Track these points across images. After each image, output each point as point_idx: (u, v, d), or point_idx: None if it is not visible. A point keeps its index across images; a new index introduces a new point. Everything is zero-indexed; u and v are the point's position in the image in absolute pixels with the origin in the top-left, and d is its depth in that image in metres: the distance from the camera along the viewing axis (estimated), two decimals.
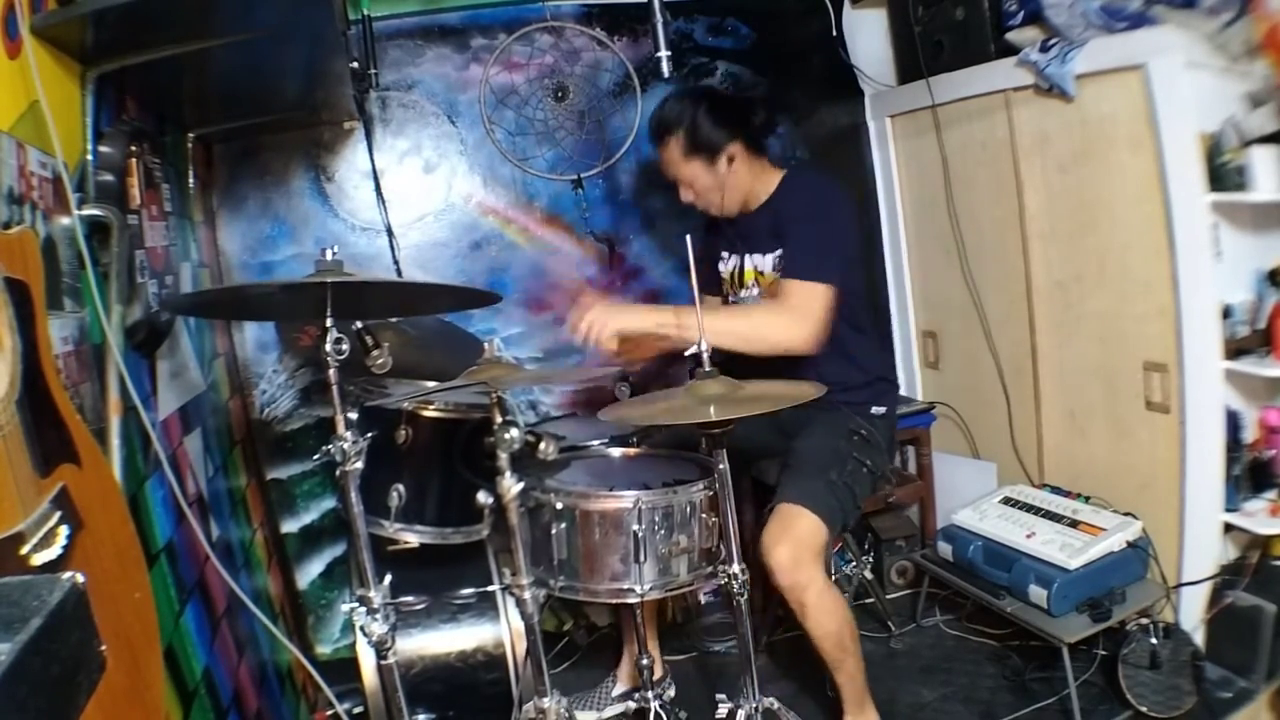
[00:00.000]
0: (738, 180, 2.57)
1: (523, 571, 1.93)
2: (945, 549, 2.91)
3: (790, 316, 2.34)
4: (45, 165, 1.58)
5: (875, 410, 2.60)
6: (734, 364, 2.74)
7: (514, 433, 1.86)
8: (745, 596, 2.03)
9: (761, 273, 2.62)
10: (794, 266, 2.41)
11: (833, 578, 2.60)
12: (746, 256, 2.67)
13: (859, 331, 2.61)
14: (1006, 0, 2.85)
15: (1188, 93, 2.40)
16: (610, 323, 2.25)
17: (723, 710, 2.15)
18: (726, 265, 2.76)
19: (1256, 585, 2.47)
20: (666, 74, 2.61)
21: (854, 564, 3.04)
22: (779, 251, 2.55)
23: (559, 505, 2.13)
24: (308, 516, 3.21)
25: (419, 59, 3.19)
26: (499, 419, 1.86)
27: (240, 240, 3.10)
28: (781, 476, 2.45)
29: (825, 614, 2.27)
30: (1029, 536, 2.66)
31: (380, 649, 1.82)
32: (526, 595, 1.93)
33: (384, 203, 3.19)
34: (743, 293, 2.70)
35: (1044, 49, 2.69)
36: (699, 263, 2.00)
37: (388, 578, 1.81)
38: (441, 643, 2.35)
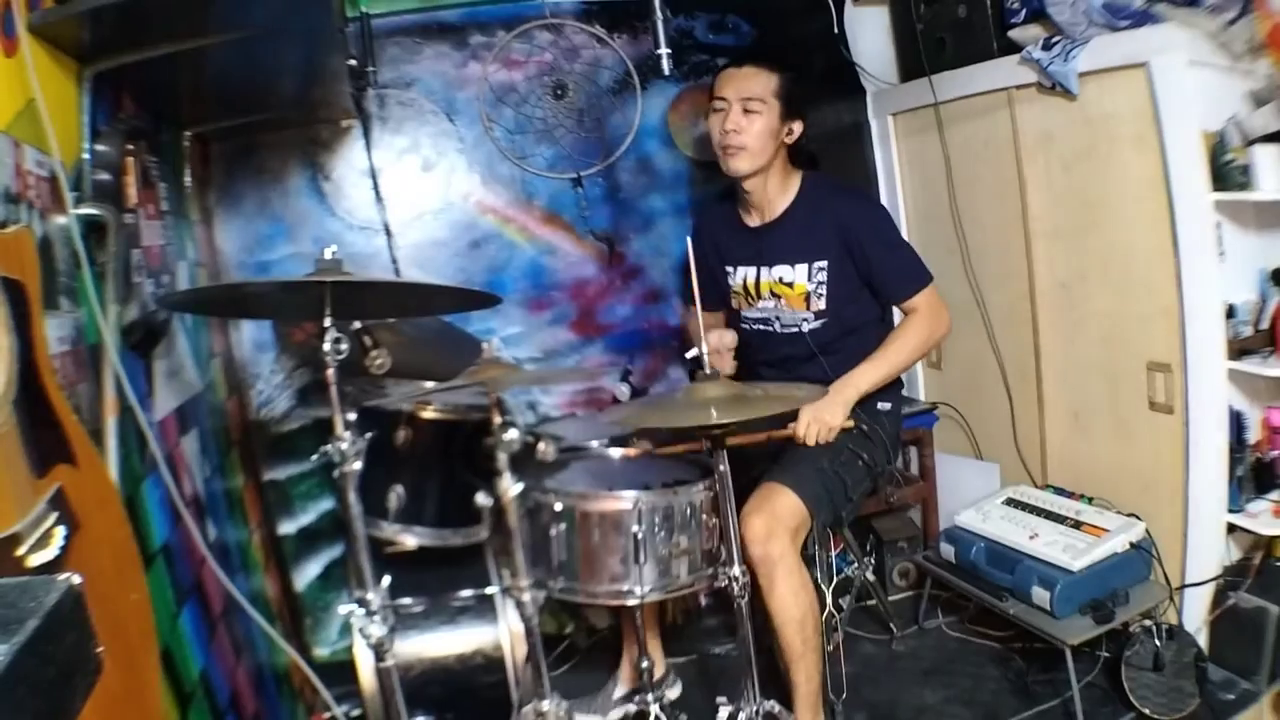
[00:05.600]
0: (780, 154, 2.58)
1: (522, 573, 1.91)
2: (948, 550, 2.90)
3: (930, 328, 2.55)
4: (42, 164, 1.57)
5: (881, 405, 2.61)
6: (747, 366, 2.78)
7: (513, 434, 1.85)
8: (746, 599, 2.02)
9: (789, 284, 2.61)
10: (907, 285, 2.55)
11: (834, 580, 2.59)
12: (766, 269, 2.64)
13: (881, 324, 2.64)
14: None
15: (1191, 91, 2.39)
16: (833, 422, 2.37)
17: (723, 713, 2.14)
18: (735, 278, 2.73)
19: (1260, 586, 2.46)
20: (667, 71, 2.61)
21: (856, 565, 3.03)
22: (821, 263, 2.56)
23: (558, 506, 2.11)
24: (305, 518, 3.19)
25: (417, 56, 3.17)
26: (498, 420, 1.85)
27: (237, 239, 3.08)
28: (773, 462, 2.45)
29: (791, 595, 2.27)
30: (1032, 538, 2.65)
31: (378, 651, 1.80)
32: (526, 597, 1.92)
33: (382, 201, 3.17)
34: (760, 303, 2.68)
35: (1047, 47, 2.68)
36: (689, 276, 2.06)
37: (386, 579, 1.79)
38: (440, 645, 2.34)
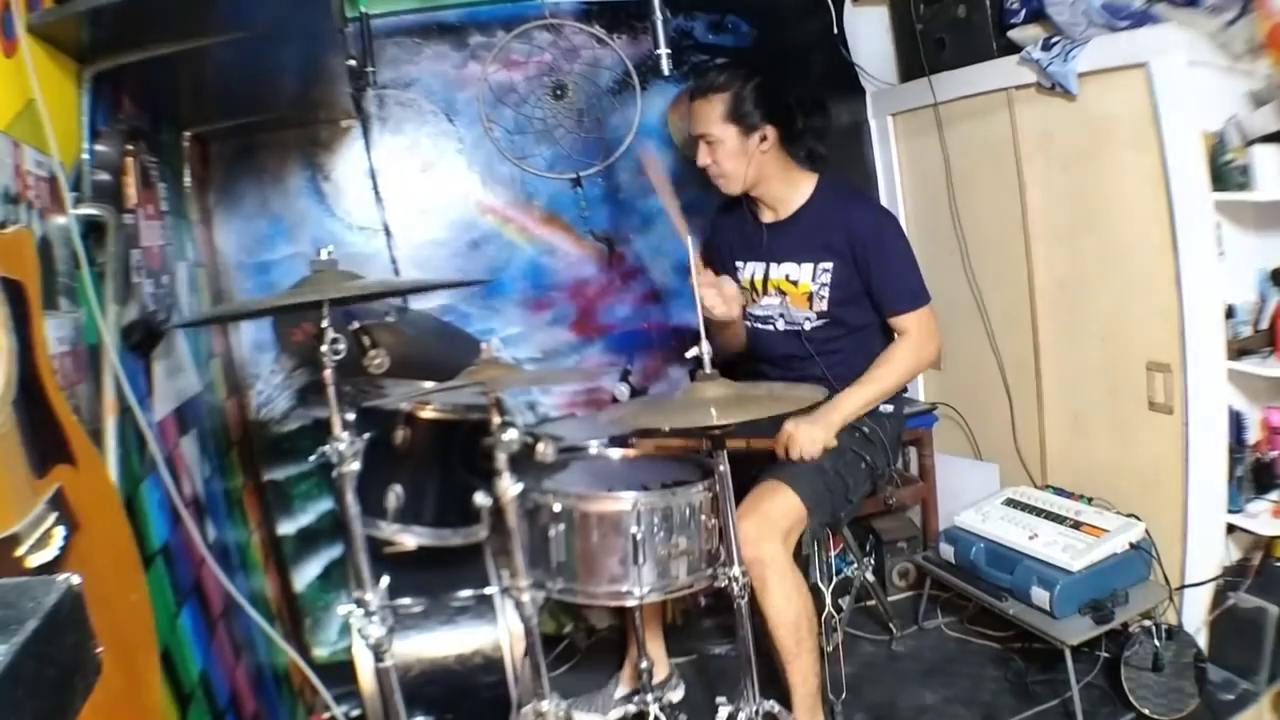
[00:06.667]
0: (763, 162, 2.57)
1: (521, 574, 1.91)
2: (947, 551, 2.90)
3: (919, 352, 2.54)
4: (41, 164, 1.57)
5: (883, 408, 2.61)
6: (749, 363, 2.77)
7: (512, 434, 1.84)
8: (745, 599, 2.02)
9: (794, 282, 2.61)
10: (901, 300, 2.55)
11: (833, 580, 2.59)
12: (774, 265, 2.65)
13: (879, 329, 2.63)
14: None
15: (1190, 91, 2.39)
16: (816, 437, 2.35)
17: (723, 713, 2.14)
18: (744, 273, 2.74)
19: (1259, 587, 2.46)
20: (666, 72, 2.60)
21: (855, 566, 3.03)
22: (827, 265, 2.56)
23: (557, 507, 2.11)
24: (305, 518, 3.19)
25: (417, 57, 3.17)
26: (497, 420, 1.85)
27: (237, 239, 3.08)
28: (773, 461, 2.45)
29: (784, 598, 2.27)
30: (1031, 538, 2.65)
31: (378, 652, 1.80)
32: (525, 598, 1.92)
33: (381, 201, 3.17)
34: (764, 300, 2.68)
35: (1046, 47, 2.68)
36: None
37: (385, 580, 1.79)
38: (439, 645, 2.34)
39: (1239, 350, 2.46)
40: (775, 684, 2.37)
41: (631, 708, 2.38)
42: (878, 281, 2.54)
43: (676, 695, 2.79)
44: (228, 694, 2.20)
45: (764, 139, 2.54)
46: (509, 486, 1.86)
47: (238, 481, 2.84)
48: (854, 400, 2.46)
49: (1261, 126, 2.35)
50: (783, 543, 2.29)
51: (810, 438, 2.33)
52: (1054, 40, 2.68)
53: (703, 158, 2.58)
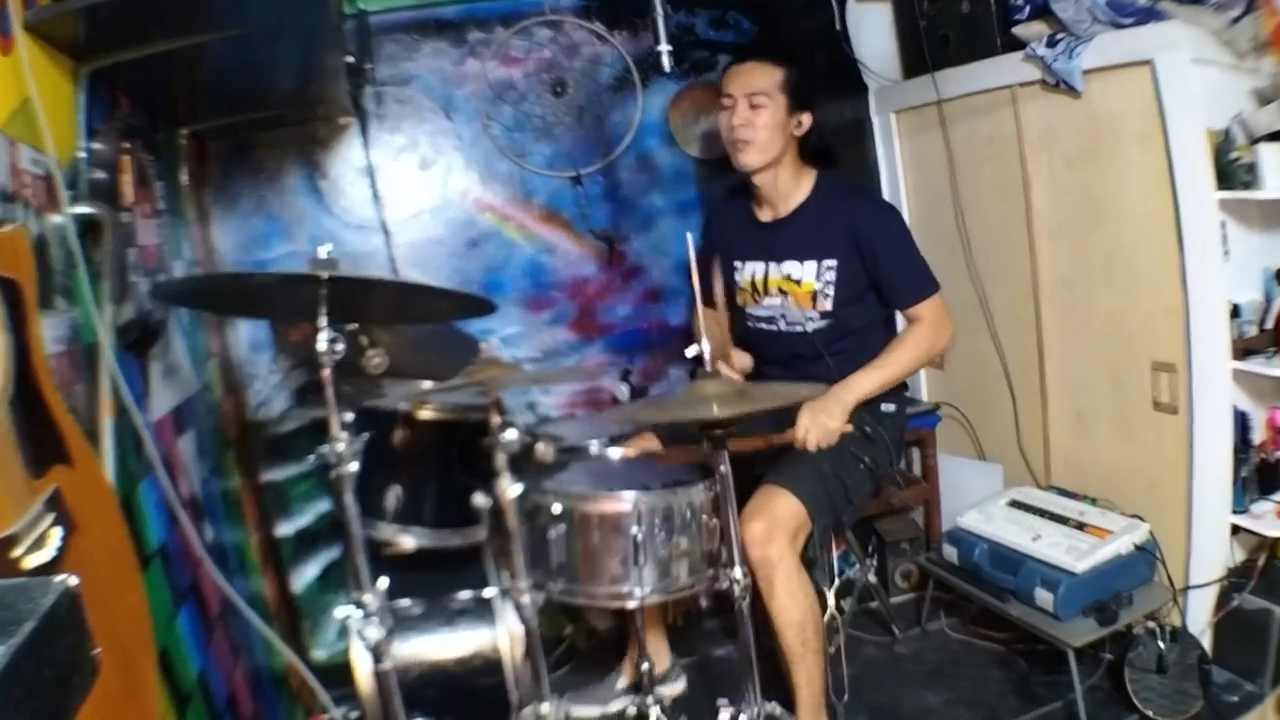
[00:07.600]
0: (788, 147, 2.57)
1: (521, 575, 1.90)
2: (950, 552, 2.89)
3: (933, 336, 2.53)
4: (37, 162, 1.57)
5: (885, 407, 2.60)
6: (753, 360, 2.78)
7: (512, 434, 1.84)
8: (747, 600, 2.01)
9: (797, 281, 2.60)
10: (912, 291, 2.54)
11: (835, 582, 2.58)
12: (775, 265, 2.64)
13: (885, 326, 2.63)
14: None
15: (1195, 89, 2.38)
16: (832, 425, 2.34)
17: (724, 715, 2.14)
18: (743, 274, 2.73)
19: (1264, 588, 2.45)
20: (667, 68, 2.60)
21: (858, 567, 3.02)
22: (831, 262, 2.55)
23: (557, 508, 2.10)
24: (303, 519, 3.17)
25: (415, 53, 3.15)
26: (496, 420, 1.84)
27: (233, 238, 3.06)
28: (774, 464, 2.44)
29: (790, 598, 2.27)
30: (1035, 539, 2.64)
31: (376, 654, 1.80)
32: (525, 599, 1.91)
33: (379, 200, 3.15)
34: (766, 300, 2.67)
35: (1051, 44, 2.67)
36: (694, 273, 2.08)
37: (384, 581, 1.78)
38: (438, 647, 2.32)
39: (1244, 350, 2.45)
40: (777, 686, 2.36)
41: (632, 706, 2.37)
42: (886, 275, 2.53)
43: (678, 688, 2.79)
44: (226, 695, 2.20)
45: (800, 124, 2.56)
46: (509, 487, 1.86)
47: (235, 482, 2.83)
48: (867, 382, 2.44)
49: (1267, 124, 2.34)
50: (789, 543, 2.28)
51: (825, 427, 2.32)
52: (1058, 37, 2.66)
53: (740, 117, 2.54)
